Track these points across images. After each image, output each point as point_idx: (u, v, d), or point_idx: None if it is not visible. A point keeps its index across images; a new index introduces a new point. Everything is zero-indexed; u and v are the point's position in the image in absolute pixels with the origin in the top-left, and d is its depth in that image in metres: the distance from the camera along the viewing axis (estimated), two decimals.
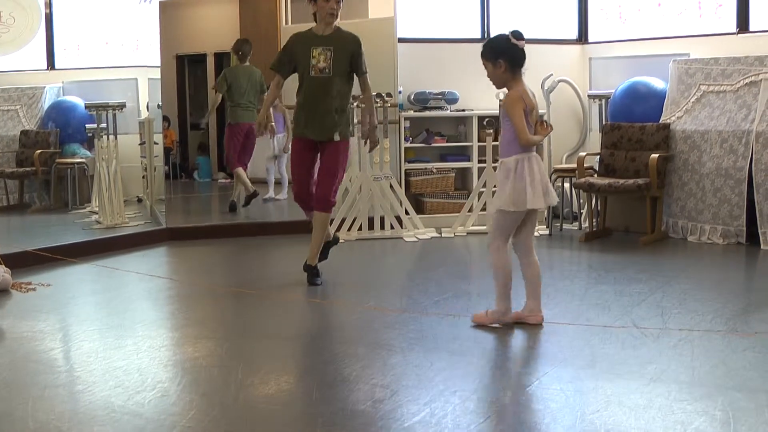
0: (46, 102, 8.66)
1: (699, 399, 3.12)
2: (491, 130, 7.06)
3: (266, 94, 7.99)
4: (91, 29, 8.60)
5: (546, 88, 7.59)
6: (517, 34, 4.05)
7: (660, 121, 6.89)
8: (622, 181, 6.64)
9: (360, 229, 7.00)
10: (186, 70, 11.54)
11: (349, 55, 5.05)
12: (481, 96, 7.34)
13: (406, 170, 7.41)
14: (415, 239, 6.92)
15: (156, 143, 7.88)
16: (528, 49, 4.08)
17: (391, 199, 7.06)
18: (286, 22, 9.63)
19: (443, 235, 7.09)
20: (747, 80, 6.43)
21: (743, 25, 6.91)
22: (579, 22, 8.04)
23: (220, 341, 4.10)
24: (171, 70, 10.70)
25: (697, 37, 7.14)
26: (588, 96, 7.81)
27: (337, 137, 5.08)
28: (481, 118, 7.28)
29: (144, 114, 8.18)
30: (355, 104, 6.42)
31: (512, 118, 4.04)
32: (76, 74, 8.70)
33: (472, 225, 7.17)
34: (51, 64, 8.77)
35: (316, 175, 5.17)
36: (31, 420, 3.03)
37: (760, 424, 2.85)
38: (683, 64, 6.91)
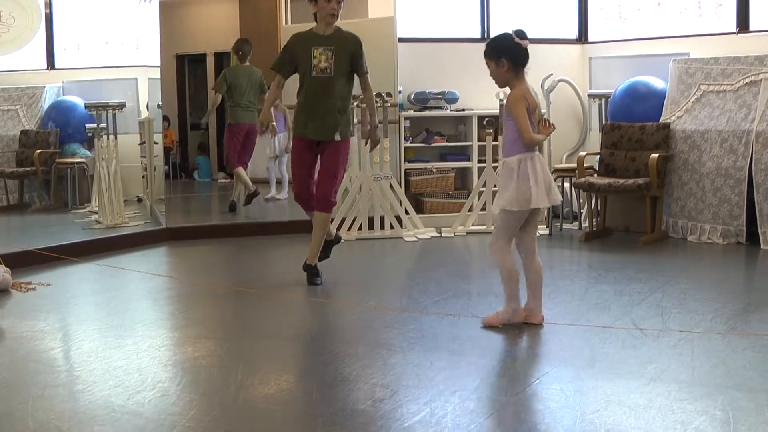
0: (46, 102, 8.66)
1: (699, 398, 3.12)
2: (491, 130, 7.07)
3: (267, 94, 8.04)
4: (91, 29, 8.59)
5: (546, 87, 7.59)
6: (520, 34, 4.04)
7: (660, 120, 6.89)
8: (622, 180, 6.64)
9: (360, 228, 7.00)
10: (186, 70, 11.54)
11: (350, 55, 5.05)
12: (481, 96, 7.35)
13: (406, 170, 7.41)
14: (415, 239, 6.92)
15: (156, 143, 7.88)
16: (528, 48, 4.08)
17: (391, 198, 7.06)
18: (286, 22, 9.62)
19: (443, 234, 7.09)
20: (747, 80, 6.43)
21: (743, 24, 6.91)
22: (579, 22, 8.04)
23: (220, 341, 4.10)
24: (171, 69, 10.70)
25: (697, 37, 7.14)
26: (588, 96, 7.81)
27: (338, 137, 5.08)
28: (480, 118, 7.28)
29: (144, 114, 8.18)
30: (355, 104, 6.42)
31: (515, 117, 4.04)
32: (76, 74, 8.70)
33: (472, 225, 7.17)
34: (51, 64, 8.77)
35: (316, 175, 5.18)
36: (31, 419, 3.03)
37: (760, 424, 2.85)
38: (683, 64, 6.91)
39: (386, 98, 6.93)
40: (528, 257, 4.19)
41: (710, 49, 6.90)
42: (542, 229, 7.02)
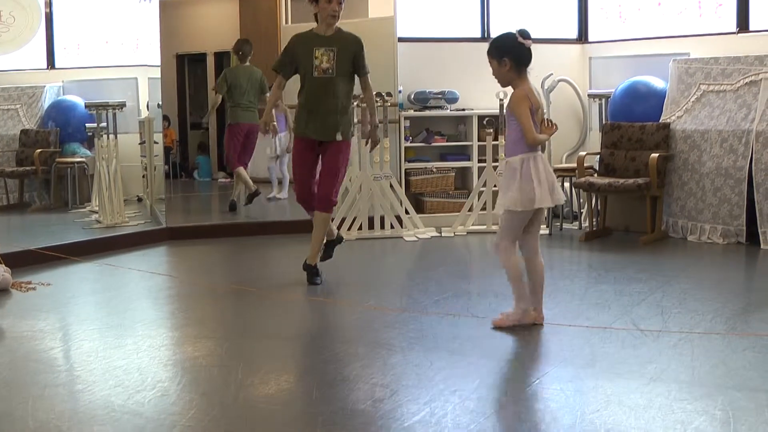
0: (46, 101, 8.65)
1: (699, 398, 3.12)
2: (491, 130, 7.07)
3: (267, 94, 8.06)
4: (91, 28, 8.59)
5: (546, 87, 7.59)
6: (524, 33, 4.03)
7: (660, 120, 6.89)
8: (622, 180, 6.64)
9: (360, 228, 7.00)
10: (186, 70, 11.55)
11: (351, 55, 5.06)
12: (481, 95, 7.35)
13: (406, 170, 7.41)
14: (415, 239, 6.92)
15: (156, 142, 7.88)
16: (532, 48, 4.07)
17: (391, 198, 7.06)
18: (286, 21, 9.63)
19: (443, 234, 7.09)
20: (747, 80, 6.43)
21: (743, 24, 6.90)
22: (579, 22, 8.04)
23: (220, 341, 4.10)
24: (171, 69, 10.71)
25: (697, 37, 7.14)
26: (588, 95, 7.81)
27: (339, 137, 5.10)
28: (481, 118, 7.28)
29: (144, 113, 8.18)
30: (355, 104, 6.42)
31: (518, 117, 4.03)
32: (76, 73, 8.70)
33: (472, 224, 7.17)
34: (51, 64, 8.76)
35: (317, 175, 5.19)
36: (31, 419, 3.03)
37: (760, 424, 2.86)
38: (683, 64, 6.91)
39: (386, 98, 6.93)
40: (531, 257, 4.19)
41: (710, 49, 6.90)
42: (542, 229, 6.95)
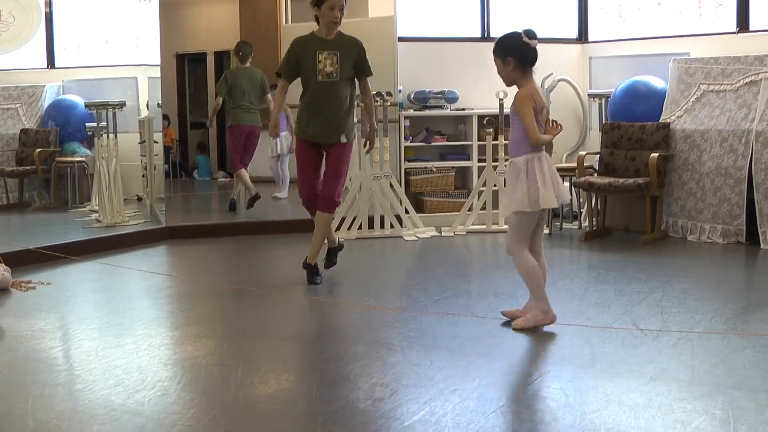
0: (46, 100, 8.65)
1: (699, 398, 3.12)
2: (491, 129, 7.07)
3: (267, 94, 8.10)
4: (91, 28, 8.59)
5: (546, 87, 7.59)
6: (530, 33, 4.02)
7: (660, 120, 6.89)
8: (622, 180, 6.64)
9: (360, 228, 7.00)
10: (186, 69, 11.55)
11: (354, 58, 5.11)
12: (481, 95, 7.36)
13: (406, 169, 7.41)
14: (415, 238, 6.92)
15: (156, 142, 7.88)
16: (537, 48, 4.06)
17: (391, 198, 7.06)
18: (286, 21, 9.63)
19: (443, 234, 7.09)
20: (747, 79, 6.43)
21: (743, 24, 6.90)
22: (579, 21, 8.04)
23: (220, 340, 4.10)
24: (171, 68, 10.70)
25: (697, 37, 7.14)
26: (588, 95, 7.81)
27: (343, 139, 5.15)
28: (480, 117, 7.28)
29: (144, 113, 8.18)
30: (356, 103, 6.43)
31: (522, 117, 4.02)
32: (76, 73, 8.70)
33: (472, 224, 7.17)
34: (51, 63, 8.76)
35: (322, 176, 5.22)
36: (31, 419, 3.03)
37: (759, 423, 2.86)
38: (683, 64, 6.91)
39: (386, 97, 6.93)
40: (535, 257, 4.18)
41: (710, 49, 6.90)
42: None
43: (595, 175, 7.01)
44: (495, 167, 7.06)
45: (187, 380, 3.48)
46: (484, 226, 7.15)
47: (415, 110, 7.50)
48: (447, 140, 7.60)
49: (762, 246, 6.09)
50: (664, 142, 6.74)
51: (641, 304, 4.55)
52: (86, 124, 8.10)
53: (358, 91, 5.30)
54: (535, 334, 4.04)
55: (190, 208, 9.61)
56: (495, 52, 4.08)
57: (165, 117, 9.28)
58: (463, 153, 7.60)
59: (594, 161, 7.22)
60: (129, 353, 3.84)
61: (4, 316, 4.61)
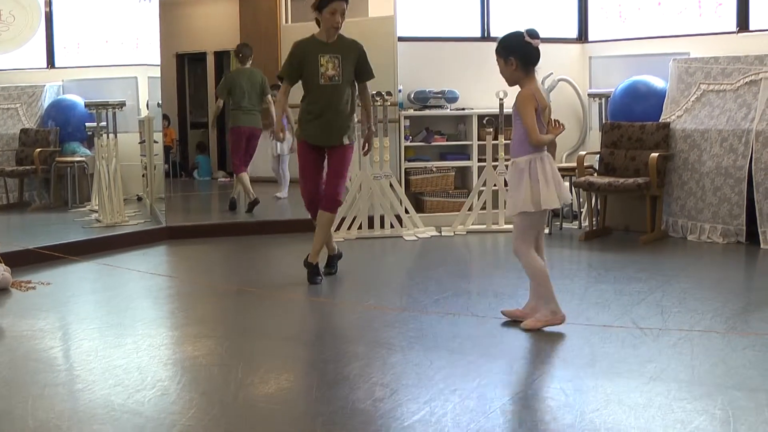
0: (46, 100, 8.65)
1: (699, 398, 3.12)
2: (491, 129, 7.07)
3: (268, 95, 8.12)
4: (91, 27, 8.59)
5: (546, 87, 7.59)
6: (532, 33, 4.01)
7: (660, 120, 6.89)
8: (621, 180, 6.64)
9: (360, 227, 7.00)
10: (186, 69, 11.56)
11: (355, 61, 5.14)
12: (481, 95, 7.36)
13: (406, 169, 7.41)
14: (415, 238, 6.92)
15: (156, 142, 7.88)
16: (540, 48, 4.05)
17: (391, 197, 7.06)
18: (286, 21, 9.64)
19: (443, 233, 7.09)
20: (747, 79, 6.43)
21: (743, 24, 6.90)
22: (579, 21, 8.04)
23: (220, 340, 4.10)
24: (171, 68, 10.72)
25: (697, 36, 7.13)
26: (588, 95, 7.81)
27: (346, 141, 5.19)
28: (480, 117, 7.28)
29: (144, 112, 8.18)
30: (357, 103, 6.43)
31: (523, 117, 4.01)
32: (76, 72, 8.70)
33: (472, 224, 7.17)
34: (51, 63, 8.76)
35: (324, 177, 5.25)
36: (31, 418, 3.03)
37: (759, 423, 2.86)
38: (683, 63, 6.90)
39: (386, 97, 6.93)
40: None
41: (710, 49, 6.90)
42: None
43: (595, 174, 7.01)
44: (495, 167, 7.06)
45: (187, 380, 3.48)
46: (484, 226, 7.15)
47: (415, 110, 7.50)
48: (447, 140, 7.59)
49: (762, 246, 6.09)
50: (664, 141, 6.74)
51: (641, 304, 4.55)
52: (86, 123, 8.10)
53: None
54: (535, 334, 4.03)
55: (190, 208, 9.62)
56: (497, 51, 4.07)
57: (165, 117, 9.29)
58: (463, 153, 7.60)
59: (594, 161, 7.22)
60: (129, 353, 3.84)
61: (4, 316, 4.61)
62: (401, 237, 6.95)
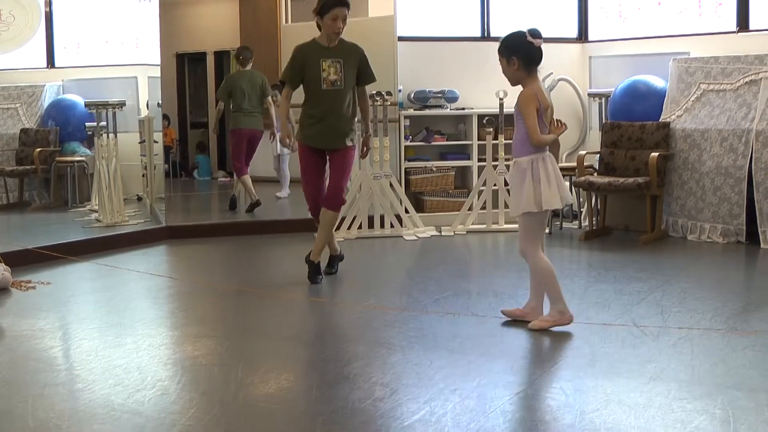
0: (46, 100, 8.65)
1: (699, 397, 3.12)
2: (491, 129, 7.07)
3: (269, 97, 8.14)
4: (91, 27, 8.59)
5: (546, 86, 7.58)
6: (534, 32, 4.00)
7: (660, 119, 6.89)
8: (621, 179, 6.64)
9: (360, 227, 7.00)
10: (186, 69, 11.56)
11: (356, 65, 5.16)
12: (481, 95, 7.36)
13: (405, 169, 7.41)
14: (415, 238, 6.92)
15: (156, 141, 7.89)
16: (542, 47, 4.05)
17: (390, 197, 7.06)
18: (286, 21, 9.64)
19: (443, 233, 7.09)
20: (747, 79, 6.43)
21: (743, 23, 6.90)
22: (579, 21, 8.04)
23: (220, 340, 4.10)
24: (171, 68, 10.72)
25: (697, 36, 7.14)
26: (588, 94, 7.81)
27: (348, 143, 5.22)
28: (480, 117, 7.28)
29: (144, 112, 8.18)
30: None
31: (525, 117, 4.01)
32: (76, 72, 8.70)
33: (472, 223, 7.17)
34: (51, 63, 8.76)
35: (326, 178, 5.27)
36: (31, 418, 3.03)
37: (759, 423, 2.86)
38: (683, 63, 6.90)
39: (386, 97, 6.93)
40: None
41: (710, 48, 6.90)
42: None
43: (595, 174, 7.00)
44: (495, 167, 7.06)
45: (187, 380, 3.48)
46: (484, 226, 7.15)
47: (415, 110, 7.50)
48: (447, 140, 7.60)
49: (762, 245, 6.09)
50: (664, 141, 6.74)
51: (641, 304, 4.55)
52: (86, 123, 8.10)
53: None
54: (535, 333, 4.03)
55: (190, 207, 9.62)
56: (500, 51, 4.07)
57: (165, 117, 9.29)
58: (463, 152, 7.60)
59: (594, 161, 7.22)
60: (129, 353, 3.84)
61: (4, 315, 4.61)
62: (401, 237, 6.95)
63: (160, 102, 8.16)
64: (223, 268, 6.22)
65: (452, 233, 7.08)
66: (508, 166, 6.51)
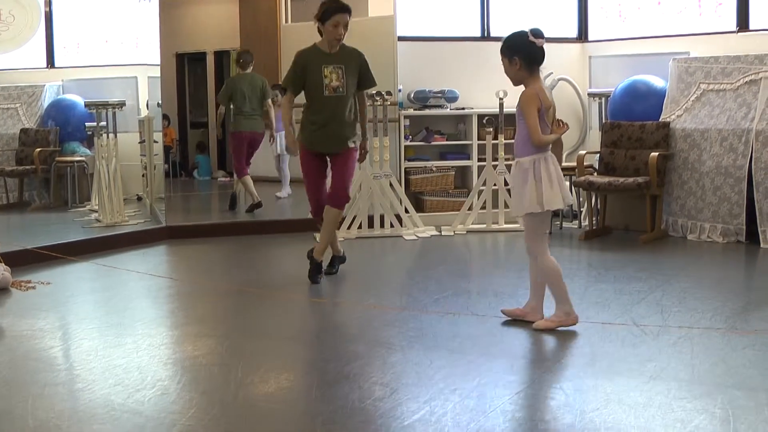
0: (46, 100, 8.65)
1: (699, 397, 3.12)
2: (491, 129, 7.07)
3: (269, 99, 8.16)
4: (91, 27, 8.59)
5: (546, 86, 7.58)
6: (536, 32, 4.00)
7: (660, 119, 6.89)
8: (621, 179, 6.64)
9: (360, 227, 6.99)
10: (186, 69, 11.55)
11: (357, 70, 5.18)
12: (481, 94, 7.36)
13: (405, 168, 7.41)
14: (415, 237, 6.92)
15: (156, 141, 7.89)
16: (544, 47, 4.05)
17: (390, 197, 7.06)
18: (286, 21, 9.63)
19: (443, 233, 7.08)
20: (747, 79, 6.43)
21: (743, 23, 6.90)
22: (579, 21, 8.04)
23: (220, 339, 4.10)
24: (171, 68, 10.71)
25: (697, 36, 7.13)
26: (588, 94, 7.81)
27: (350, 145, 5.24)
28: (480, 117, 7.28)
29: (144, 112, 8.18)
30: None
31: (526, 117, 4.00)
32: (76, 72, 8.70)
33: (472, 223, 7.17)
34: (51, 63, 8.76)
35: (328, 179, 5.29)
36: (31, 418, 3.03)
37: (759, 422, 2.86)
38: (683, 63, 6.90)
39: (386, 97, 6.93)
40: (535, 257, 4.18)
41: (710, 48, 6.90)
42: None
43: (595, 174, 7.01)
44: (495, 166, 7.06)
45: (187, 379, 3.48)
46: (484, 226, 7.15)
47: (415, 109, 7.50)
48: (447, 140, 7.60)
49: (762, 245, 6.09)
50: (664, 141, 6.74)
51: (641, 303, 4.55)
52: (86, 123, 8.11)
53: None
54: (535, 333, 4.03)
55: (190, 207, 9.62)
56: (502, 51, 4.06)
57: (165, 117, 9.28)
58: (463, 152, 7.60)
59: (594, 160, 7.22)
60: (129, 353, 3.84)
61: (4, 315, 4.61)
62: (401, 236, 6.95)
63: (160, 102, 8.16)
64: (223, 268, 6.22)
65: (452, 233, 7.08)
66: (508, 166, 6.52)
